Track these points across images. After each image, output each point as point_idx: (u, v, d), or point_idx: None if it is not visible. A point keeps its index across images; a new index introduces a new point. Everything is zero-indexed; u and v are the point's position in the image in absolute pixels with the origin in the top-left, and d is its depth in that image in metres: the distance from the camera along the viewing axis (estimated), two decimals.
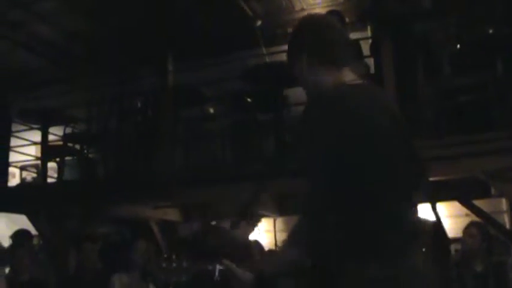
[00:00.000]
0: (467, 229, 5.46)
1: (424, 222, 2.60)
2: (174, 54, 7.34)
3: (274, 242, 7.41)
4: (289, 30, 8.82)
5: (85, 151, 8.30)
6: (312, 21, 2.51)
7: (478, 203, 6.12)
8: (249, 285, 2.71)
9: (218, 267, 2.77)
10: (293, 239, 2.35)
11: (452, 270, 5.19)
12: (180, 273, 2.78)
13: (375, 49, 6.17)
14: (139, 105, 7.96)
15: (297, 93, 6.95)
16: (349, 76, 2.30)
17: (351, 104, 2.15)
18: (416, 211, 2.36)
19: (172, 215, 8.13)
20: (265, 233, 9.03)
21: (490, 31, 5.51)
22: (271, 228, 8.17)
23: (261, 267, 2.66)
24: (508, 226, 7.00)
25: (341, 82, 2.26)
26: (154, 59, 7.48)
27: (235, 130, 7.30)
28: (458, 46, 5.69)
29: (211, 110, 7.72)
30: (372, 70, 6.10)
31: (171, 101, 7.10)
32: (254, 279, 2.64)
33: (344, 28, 2.53)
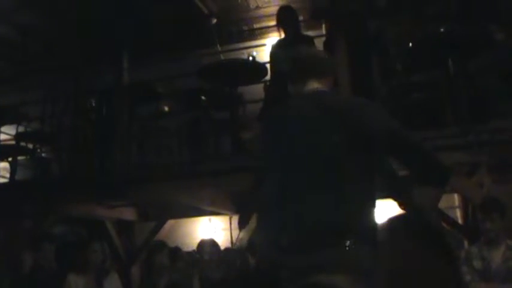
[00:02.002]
0: None
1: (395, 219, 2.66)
2: (129, 52, 7.27)
3: (230, 240, 7.37)
4: (244, 28, 8.90)
5: (38, 150, 8.16)
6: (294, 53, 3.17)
7: None
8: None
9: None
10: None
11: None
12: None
13: (329, 47, 6.20)
14: (93, 103, 7.86)
15: (251, 91, 7.00)
16: (311, 87, 2.81)
17: (279, 112, 2.81)
18: (350, 204, 2.43)
19: (128, 214, 8.05)
20: (222, 231, 9.01)
21: (442, 30, 5.59)
22: (227, 226, 8.13)
23: None
24: (460, 221, 7.12)
25: (299, 93, 2.85)
26: (109, 56, 7.39)
27: (190, 128, 7.28)
28: (411, 44, 5.76)
29: (166, 108, 7.67)
30: None
31: (126, 98, 7.02)
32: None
33: (321, 52, 3.00)
